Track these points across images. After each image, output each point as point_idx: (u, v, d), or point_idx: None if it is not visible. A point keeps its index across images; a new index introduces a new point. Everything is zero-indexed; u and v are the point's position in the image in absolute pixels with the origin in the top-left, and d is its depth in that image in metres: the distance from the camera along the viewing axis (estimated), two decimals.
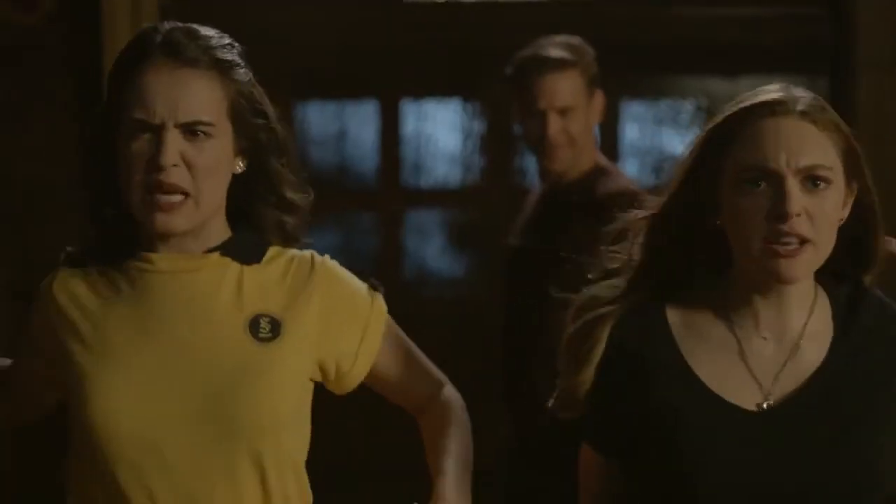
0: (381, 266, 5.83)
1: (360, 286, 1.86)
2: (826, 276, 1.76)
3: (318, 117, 6.41)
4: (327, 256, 1.86)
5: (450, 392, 1.95)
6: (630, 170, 6.64)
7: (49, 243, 6.63)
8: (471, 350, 5.02)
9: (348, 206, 5.90)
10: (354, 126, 6.66)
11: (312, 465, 1.99)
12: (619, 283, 1.75)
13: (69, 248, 1.90)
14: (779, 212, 1.63)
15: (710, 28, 6.39)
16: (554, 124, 3.22)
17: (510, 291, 3.30)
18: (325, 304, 1.78)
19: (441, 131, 6.74)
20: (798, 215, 1.64)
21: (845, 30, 6.43)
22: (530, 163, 6.79)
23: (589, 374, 1.71)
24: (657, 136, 6.72)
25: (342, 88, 6.40)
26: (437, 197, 6.57)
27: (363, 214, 6.23)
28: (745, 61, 6.23)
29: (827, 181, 1.68)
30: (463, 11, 6.62)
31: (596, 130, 3.42)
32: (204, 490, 1.69)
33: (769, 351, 1.72)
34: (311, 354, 1.76)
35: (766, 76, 6.79)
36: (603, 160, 3.34)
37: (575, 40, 3.28)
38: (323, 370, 1.79)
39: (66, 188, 6.89)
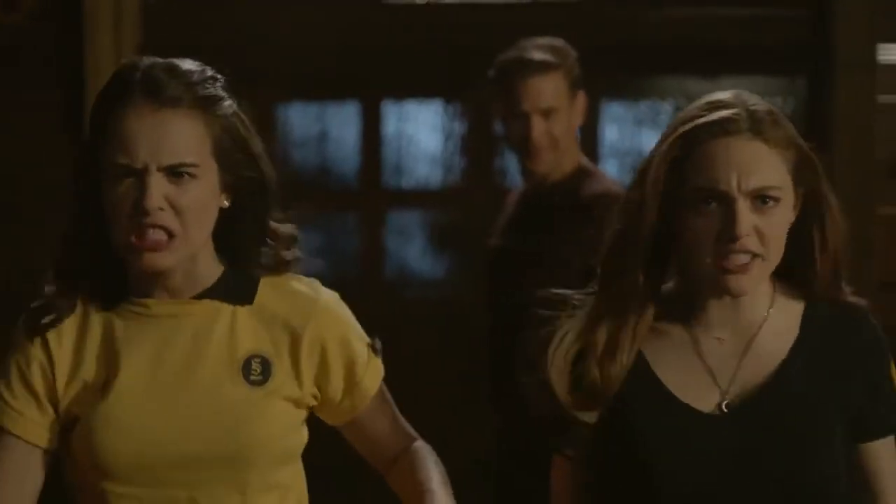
0: (363, 267, 5.83)
1: (360, 339, 1.86)
2: (807, 283, 1.80)
3: (299, 119, 6.40)
4: (335, 295, 1.86)
5: (422, 443, 1.97)
6: (610, 170, 6.64)
7: (37, 243, 6.64)
8: (454, 351, 5.02)
9: (330, 207, 5.89)
10: (336, 127, 6.66)
11: (314, 464, 2.03)
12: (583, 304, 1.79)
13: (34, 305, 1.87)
14: (729, 234, 1.67)
15: (690, 29, 6.40)
16: (537, 126, 3.23)
17: (492, 291, 3.31)
18: (319, 346, 1.80)
19: (423, 132, 6.73)
20: (748, 235, 1.68)
21: (824, 31, 6.44)
22: (512, 164, 6.80)
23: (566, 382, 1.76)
24: (637, 137, 6.73)
25: (324, 90, 6.39)
26: (419, 198, 6.56)
27: (345, 215, 6.23)
28: (725, 62, 6.24)
29: (776, 199, 1.71)
30: (444, 13, 6.61)
31: (577, 132, 3.40)
32: None
33: (725, 351, 1.76)
34: (302, 387, 1.80)
35: (746, 77, 6.80)
36: (585, 161, 3.36)
37: (558, 42, 3.29)
38: (315, 398, 1.84)
39: (52, 187, 6.88)
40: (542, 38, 3.30)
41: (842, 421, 1.78)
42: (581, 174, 3.26)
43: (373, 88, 6.62)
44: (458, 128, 6.78)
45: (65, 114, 6.56)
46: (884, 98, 6.56)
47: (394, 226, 6.29)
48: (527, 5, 6.63)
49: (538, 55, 3.27)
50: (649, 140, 6.57)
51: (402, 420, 1.95)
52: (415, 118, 6.75)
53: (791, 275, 1.81)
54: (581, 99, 3.32)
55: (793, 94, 6.69)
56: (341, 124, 6.67)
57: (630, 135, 6.78)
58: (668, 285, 1.82)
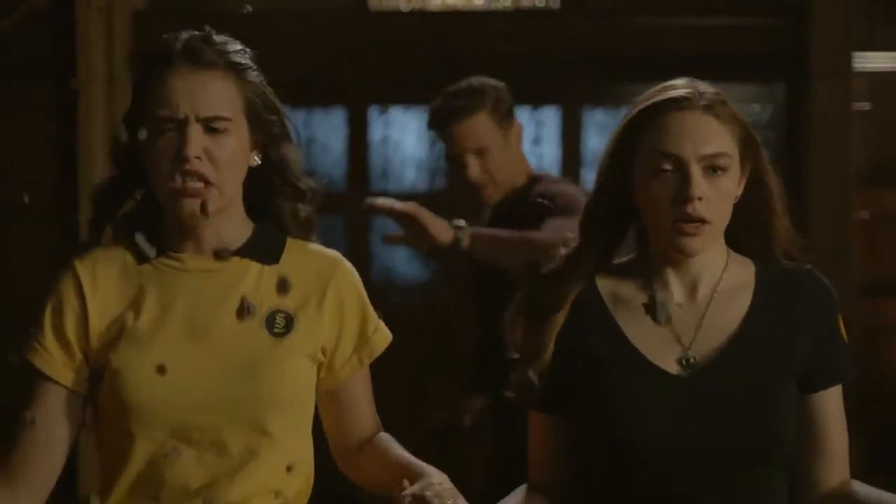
0: None
1: (371, 309, 2.00)
2: (758, 251, 1.94)
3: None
4: (353, 268, 2.00)
5: (386, 434, 2.05)
6: (592, 176, 6.64)
7: (28, 241, 6.61)
8: (438, 350, 5.00)
9: (317, 211, 5.85)
10: (323, 133, 6.64)
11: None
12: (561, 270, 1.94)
13: (79, 244, 1.98)
14: (684, 195, 1.81)
15: (670, 38, 6.40)
16: (472, 165, 3.29)
17: (476, 285, 3.36)
18: (339, 304, 1.93)
19: (408, 138, 6.73)
20: (699, 199, 1.81)
21: (802, 40, 6.45)
22: None
23: (550, 345, 1.89)
24: None
25: (311, 96, 6.38)
26: (406, 200, 6.55)
27: (331, 219, 6.21)
28: (704, 70, 6.23)
29: (725, 168, 1.84)
30: (430, 20, 6.60)
31: (527, 141, 3.43)
32: (224, 459, 1.86)
33: (685, 312, 1.88)
34: (317, 343, 1.91)
35: (726, 84, 6.78)
36: (535, 171, 3.38)
37: (478, 82, 3.31)
38: (324, 353, 1.94)
39: (44, 187, 6.89)
40: (468, 79, 3.33)
41: (794, 373, 1.89)
42: (531, 182, 3.33)
43: (359, 95, 6.62)
44: (440, 144, 6.77)
45: (55, 118, 6.55)
46: (859, 105, 6.59)
47: (380, 229, 6.27)
48: (510, 13, 6.61)
49: (460, 101, 3.32)
50: None
51: (375, 412, 2.04)
52: (400, 124, 6.74)
53: (742, 243, 1.93)
54: (515, 129, 3.37)
55: (772, 100, 6.69)
56: (328, 130, 6.66)
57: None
58: (628, 258, 1.95)
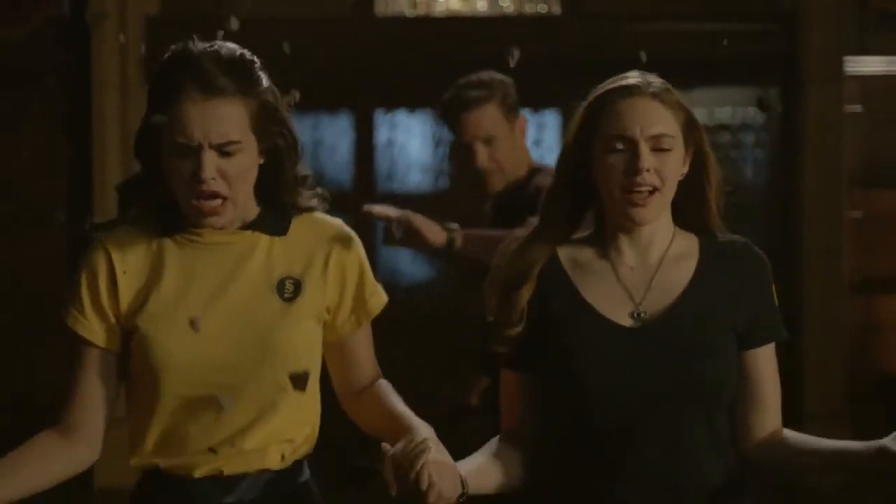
0: None
1: (370, 274, 2.14)
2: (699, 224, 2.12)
3: (295, 128, 6.37)
4: (355, 235, 2.14)
5: (385, 381, 2.20)
6: None
7: (38, 251, 6.62)
8: (443, 346, 5.02)
9: (325, 212, 5.85)
10: (330, 136, 6.66)
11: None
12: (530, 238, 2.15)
13: (96, 222, 2.13)
14: (634, 168, 1.99)
15: (668, 43, 6.40)
16: (480, 153, 3.39)
17: (484, 280, 3.47)
18: (341, 268, 2.08)
19: (413, 141, 6.74)
20: (648, 171, 2.00)
21: (794, 45, 6.46)
22: None
23: (521, 309, 2.07)
24: None
25: (318, 100, 6.39)
26: (409, 202, 6.55)
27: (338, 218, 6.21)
28: (700, 75, 6.25)
29: (670, 146, 2.01)
30: (433, 26, 6.62)
31: (529, 143, 3.51)
32: (239, 411, 2.00)
33: (637, 274, 2.06)
34: (322, 304, 2.07)
35: (720, 88, 6.82)
36: (536, 163, 3.48)
37: (491, 76, 3.43)
38: (328, 312, 2.10)
39: (54, 197, 6.91)
40: (478, 73, 3.41)
41: (733, 331, 2.06)
42: (532, 173, 3.44)
43: (365, 98, 6.63)
44: (446, 136, 6.78)
45: (69, 124, 6.57)
46: (851, 108, 6.60)
47: (385, 229, 6.28)
48: (511, 19, 6.63)
49: (472, 92, 3.43)
50: None
51: (376, 363, 2.19)
52: (405, 127, 6.75)
53: (684, 216, 2.12)
54: (521, 121, 3.50)
55: (758, 99, 6.70)
56: (335, 133, 6.67)
57: None
58: (586, 233, 2.13)
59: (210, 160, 1.97)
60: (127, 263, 2.05)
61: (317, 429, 2.12)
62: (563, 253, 2.10)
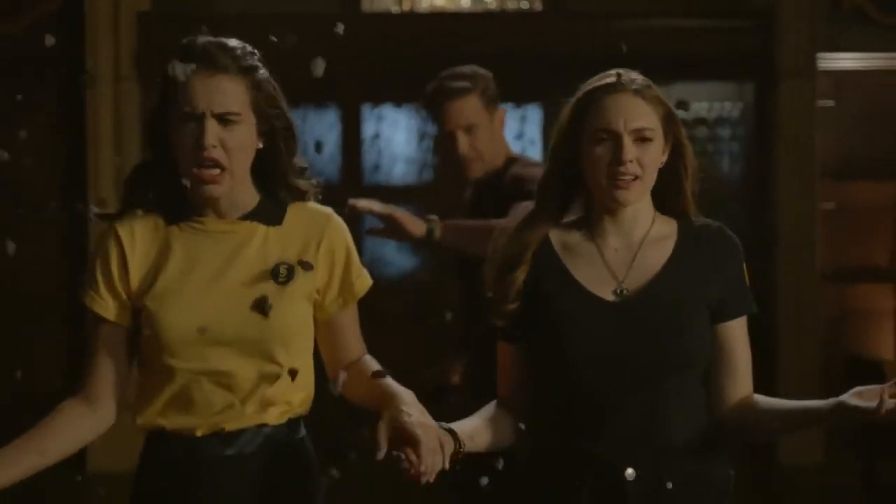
0: None
1: (356, 256, 2.29)
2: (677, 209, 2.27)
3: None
4: (343, 222, 2.29)
5: (370, 357, 2.33)
6: None
7: (33, 239, 6.62)
8: (426, 334, 5.05)
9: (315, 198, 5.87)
10: (317, 130, 6.68)
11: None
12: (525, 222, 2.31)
13: (99, 211, 2.28)
14: (618, 158, 2.14)
15: (645, 39, 6.45)
16: (462, 142, 3.48)
17: (461, 262, 3.54)
18: (330, 253, 2.24)
19: (398, 135, 6.77)
20: (630, 161, 2.14)
21: (769, 42, 6.51)
22: None
23: (517, 287, 2.21)
24: None
25: (306, 95, 6.41)
26: (394, 194, 6.60)
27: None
28: (677, 70, 6.30)
29: (650, 138, 2.16)
30: (419, 21, 6.65)
31: (511, 136, 3.57)
32: (238, 381, 2.17)
33: (620, 255, 2.21)
34: (313, 286, 2.23)
35: (697, 83, 6.86)
36: (515, 154, 3.60)
37: (472, 70, 3.58)
38: (318, 293, 2.25)
39: (53, 182, 6.91)
40: (460, 67, 3.53)
41: (707, 305, 2.21)
42: (509, 163, 3.54)
43: (352, 93, 6.65)
44: (431, 129, 6.81)
45: (64, 114, 6.58)
46: (823, 102, 6.64)
47: (370, 220, 6.31)
48: (494, 15, 6.67)
49: (455, 83, 3.52)
50: None
51: (362, 340, 2.33)
52: (391, 121, 6.78)
53: (663, 202, 2.26)
54: (500, 113, 3.60)
55: (741, 99, 6.75)
56: (323, 127, 6.70)
57: None
58: (575, 218, 2.27)
59: (212, 128, 2.13)
60: (136, 249, 2.21)
61: (311, 394, 2.27)
62: (554, 236, 2.25)
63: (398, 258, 6.74)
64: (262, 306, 2.17)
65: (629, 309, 2.18)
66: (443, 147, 3.46)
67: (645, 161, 2.16)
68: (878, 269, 6.70)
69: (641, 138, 2.16)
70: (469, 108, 3.42)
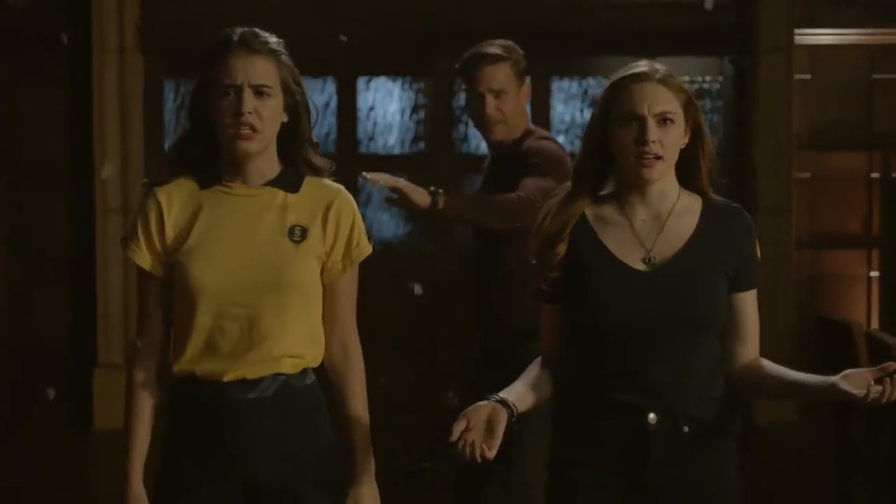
0: None
1: (361, 224, 2.49)
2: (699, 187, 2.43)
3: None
4: (351, 197, 2.50)
5: (357, 357, 2.52)
6: (560, 139, 6.67)
7: (40, 203, 6.58)
8: (425, 300, 5.03)
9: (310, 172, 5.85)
10: (315, 101, 6.64)
11: None
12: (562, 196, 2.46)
13: (147, 180, 2.52)
14: (643, 139, 2.31)
15: (629, 15, 6.41)
16: (490, 103, 3.61)
17: (475, 234, 3.60)
18: (337, 220, 2.45)
19: (392, 105, 6.74)
20: (654, 142, 2.31)
21: (747, 17, 6.48)
22: (470, 133, 6.84)
23: (559, 257, 2.38)
24: (584, 111, 6.76)
25: (306, 67, 6.36)
26: (390, 162, 6.58)
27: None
28: (661, 44, 6.26)
29: (672, 121, 2.33)
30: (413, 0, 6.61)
31: (528, 109, 3.67)
32: (259, 328, 2.40)
33: (648, 226, 2.38)
34: (321, 248, 2.45)
35: (680, 57, 6.83)
36: (532, 126, 3.80)
37: (506, 42, 3.73)
38: (326, 255, 2.45)
39: (56, 155, 6.88)
40: (497, 40, 3.62)
41: (724, 275, 2.37)
42: (526, 135, 3.67)
43: (348, 66, 6.62)
44: (424, 102, 6.78)
45: (71, 88, 6.54)
46: (800, 76, 6.62)
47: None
48: None
49: (492, 50, 3.67)
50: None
51: (354, 320, 2.52)
52: (386, 92, 6.75)
53: (685, 179, 2.42)
54: (526, 87, 3.73)
55: (721, 72, 6.72)
56: (320, 98, 6.67)
57: (577, 109, 6.81)
58: (608, 191, 2.43)
59: (249, 97, 2.38)
60: (172, 210, 2.46)
61: (322, 349, 2.49)
62: (590, 210, 2.42)
63: (396, 227, 6.72)
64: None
65: (656, 276, 2.34)
66: (472, 108, 3.58)
67: (667, 142, 2.32)
68: (851, 236, 6.71)
69: (664, 120, 2.32)
70: (501, 74, 3.55)
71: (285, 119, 2.43)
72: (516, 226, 3.23)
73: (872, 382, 2.17)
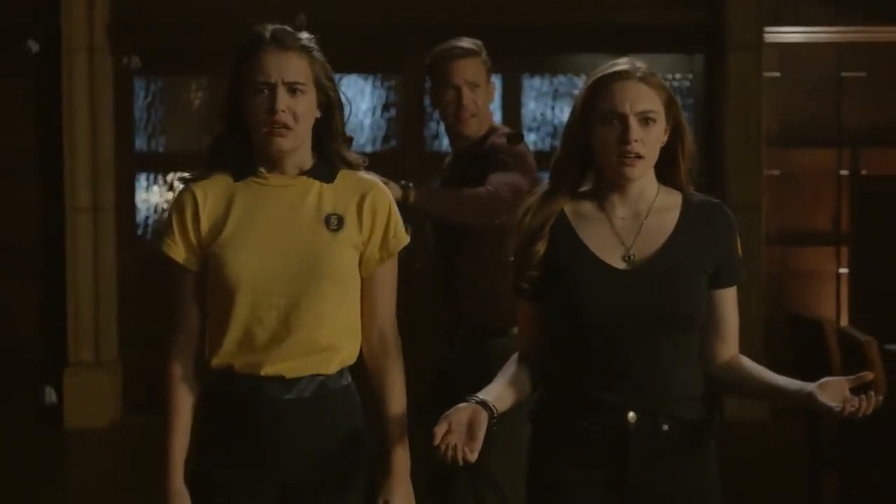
0: None
1: (398, 215, 2.47)
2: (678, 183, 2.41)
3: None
4: (386, 189, 2.50)
5: (396, 351, 2.49)
6: (530, 137, 6.66)
7: (9, 201, 6.51)
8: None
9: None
10: None
11: None
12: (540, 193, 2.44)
13: (188, 175, 2.49)
14: (624, 138, 2.29)
15: (600, 13, 6.40)
16: (467, 95, 3.60)
17: (436, 229, 3.58)
18: (373, 211, 2.44)
19: (363, 103, 6.71)
20: (636, 141, 2.29)
21: (717, 15, 6.49)
22: (439, 131, 6.81)
23: (538, 255, 2.36)
24: (555, 108, 6.75)
25: None
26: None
27: None
28: (632, 42, 6.25)
29: (654, 120, 2.31)
30: None
31: (492, 107, 3.69)
32: (297, 317, 2.37)
33: (628, 224, 2.35)
34: (358, 238, 2.43)
35: (650, 55, 6.83)
36: (495, 124, 3.74)
37: (474, 40, 3.68)
38: (363, 245, 2.44)
39: (25, 153, 6.82)
40: (463, 37, 3.68)
41: (704, 273, 2.35)
42: (490, 131, 3.65)
43: None
44: (396, 99, 6.76)
45: (40, 84, 6.49)
46: (770, 74, 6.64)
47: None
48: None
49: (465, 44, 3.66)
50: (565, 111, 6.60)
51: (394, 313, 2.50)
52: (357, 91, 6.72)
53: (665, 176, 2.40)
54: (492, 85, 3.74)
55: (691, 70, 6.72)
56: None
57: (549, 106, 6.80)
58: (588, 187, 2.41)
59: (283, 95, 2.36)
60: (208, 204, 2.44)
61: (358, 344, 2.47)
62: (569, 207, 2.40)
63: None
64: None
65: (636, 274, 2.32)
66: (445, 101, 3.57)
67: (648, 141, 2.30)
68: (820, 232, 6.72)
69: (645, 119, 2.30)
70: (475, 68, 3.57)
71: (318, 115, 2.42)
72: (484, 221, 3.22)
73: (848, 392, 2.16)
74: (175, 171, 6.57)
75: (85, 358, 6.30)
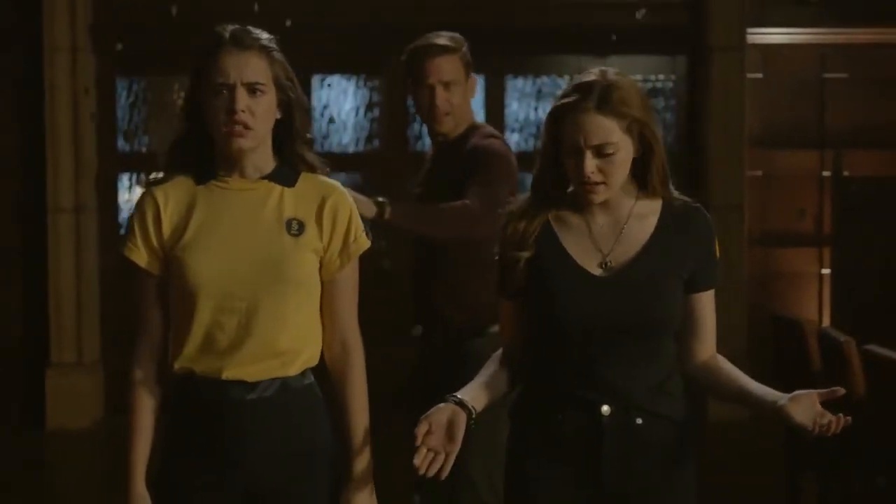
0: None
1: (358, 220, 2.47)
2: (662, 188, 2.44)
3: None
4: (346, 189, 2.50)
5: (358, 355, 2.49)
6: (513, 137, 6.67)
7: None
8: (375, 297, 5.01)
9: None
10: None
11: None
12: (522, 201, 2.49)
13: (151, 177, 2.50)
14: (580, 171, 2.33)
15: (583, 14, 6.41)
16: (440, 94, 3.53)
17: (417, 250, 3.54)
18: (333, 215, 2.44)
19: (346, 104, 6.71)
20: (592, 172, 2.33)
21: (700, 17, 6.50)
22: (422, 131, 6.81)
23: (522, 264, 2.40)
24: (538, 109, 6.76)
25: None
26: (345, 161, 6.55)
27: None
28: (612, 44, 6.26)
29: (612, 151, 2.33)
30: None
31: (474, 104, 3.64)
32: (257, 320, 2.39)
33: (606, 231, 2.40)
34: (318, 243, 2.43)
35: (632, 56, 6.85)
36: (476, 122, 3.70)
37: (453, 35, 3.64)
38: (323, 250, 2.44)
39: (7, 152, 6.79)
40: (443, 31, 3.55)
41: (681, 277, 2.39)
42: (471, 131, 3.58)
43: (302, 65, 6.57)
44: (379, 99, 6.76)
45: (22, 85, 6.47)
46: (752, 75, 6.66)
47: None
48: None
49: (441, 41, 3.58)
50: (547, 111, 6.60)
51: (355, 317, 2.50)
52: (340, 90, 6.72)
53: (644, 182, 2.42)
54: (473, 80, 3.66)
55: (673, 71, 6.74)
56: None
57: (531, 107, 6.81)
58: (571, 190, 2.43)
59: (242, 95, 2.36)
60: (168, 208, 2.44)
61: (319, 349, 2.47)
62: (553, 213, 2.44)
63: None
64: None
65: (613, 279, 2.36)
66: (420, 99, 3.51)
67: (608, 169, 2.33)
68: (802, 233, 6.75)
69: (602, 153, 2.33)
70: (451, 65, 3.51)
71: (279, 116, 2.42)
72: (460, 236, 3.21)
73: (819, 406, 2.21)
74: (158, 171, 6.57)
75: (67, 359, 6.28)
